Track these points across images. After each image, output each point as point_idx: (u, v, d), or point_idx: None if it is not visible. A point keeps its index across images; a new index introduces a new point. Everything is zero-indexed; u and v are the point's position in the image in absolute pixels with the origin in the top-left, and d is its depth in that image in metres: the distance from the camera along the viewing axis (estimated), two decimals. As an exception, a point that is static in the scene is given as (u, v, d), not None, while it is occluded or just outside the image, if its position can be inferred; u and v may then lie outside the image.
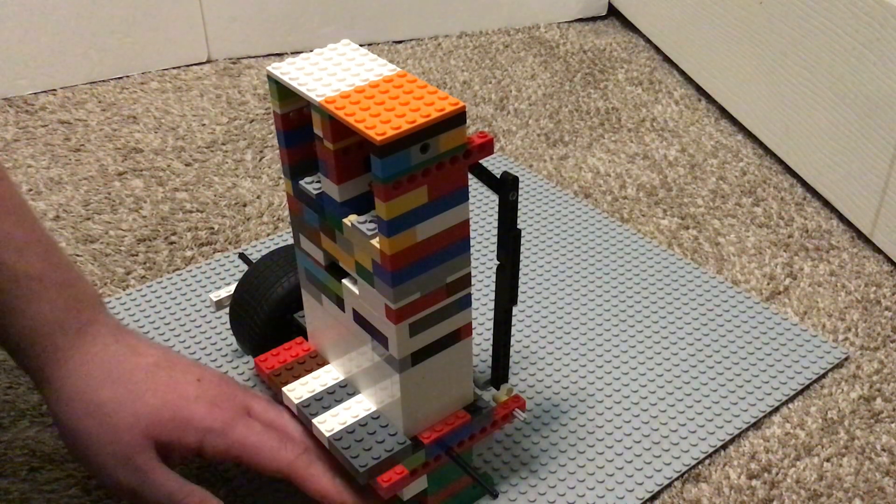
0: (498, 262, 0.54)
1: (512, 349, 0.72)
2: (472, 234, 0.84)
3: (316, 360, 0.59)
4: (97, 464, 0.53)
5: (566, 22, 1.25)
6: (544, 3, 1.23)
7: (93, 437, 0.53)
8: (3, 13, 1.02)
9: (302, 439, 0.56)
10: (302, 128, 0.52)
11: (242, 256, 0.73)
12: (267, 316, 0.63)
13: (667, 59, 1.15)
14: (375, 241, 0.48)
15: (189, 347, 0.72)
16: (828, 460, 0.63)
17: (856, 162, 0.82)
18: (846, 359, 0.71)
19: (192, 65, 1.14)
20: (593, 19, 1.27)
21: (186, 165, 0.94)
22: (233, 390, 0.57)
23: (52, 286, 0.54)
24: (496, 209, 0.74)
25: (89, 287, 0.56)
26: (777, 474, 0.62)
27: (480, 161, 0.49)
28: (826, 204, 0.88)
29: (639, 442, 0.64)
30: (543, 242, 0.84)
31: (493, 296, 0.76)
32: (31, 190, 0.90)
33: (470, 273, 0.52)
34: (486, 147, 0.48)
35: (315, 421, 0.55)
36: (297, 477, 0.54)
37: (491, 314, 0.75)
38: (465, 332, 0.53)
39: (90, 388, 0.53)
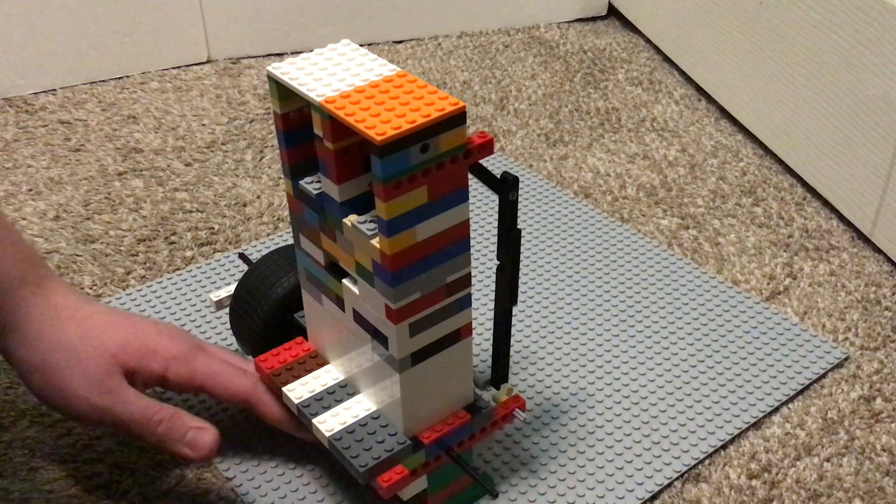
0: (498, 262, 0.54)
1: (512, 349, 0.72)
2: (472, 234, 0.84)
3: (316, 360, 0.59)
4: (68, 392, 0.55)
5: (566, 22, 1.25)
6: (544, 3, 1.23)
7: (62, 368, 0.55)
8: (4, 13, 1.02)
9: (254, 372, 0.60)
10: (302, 128, 0.52)
11: (242, 256, 0.73)
12: (267, 316, 0.63)
13: (667, 59, 1.15)
14: (375, 241, 0.48)
15: (189, 347, 0.72)
16: (828, 460, 0.63)
17: (856, 162, 0.82)
18: (846, 359, 0.71)
19: (192, 65, 1.14)
20: (593, 19, 1.27)
21: (186, 165, 0.94)
22: (186, 334, 0.61)
23: (8, 245, 0.57)
24: (496, 209, 0.74)
25: (36, 249, 0.61)
26: (777, 474, 0.62)
27: (480, 161, 0.49)
28: (826, 204, 0.88)
29: (639, 442, 0.64)
30: (543, 242, 0.84)
31: (493, 296, 0.76)
32: (31, 190, 0.90)
33: (470, 273, 0.52)
34: (486, 147, 0.48)
35: (315, 421, 0.55)
36: (257, 401, 0.59)
37: (491, 314, 0.75)
38: (465, 332, 0.53)
39: (55, 329, 0.56)
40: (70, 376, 0.55)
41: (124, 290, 0.78)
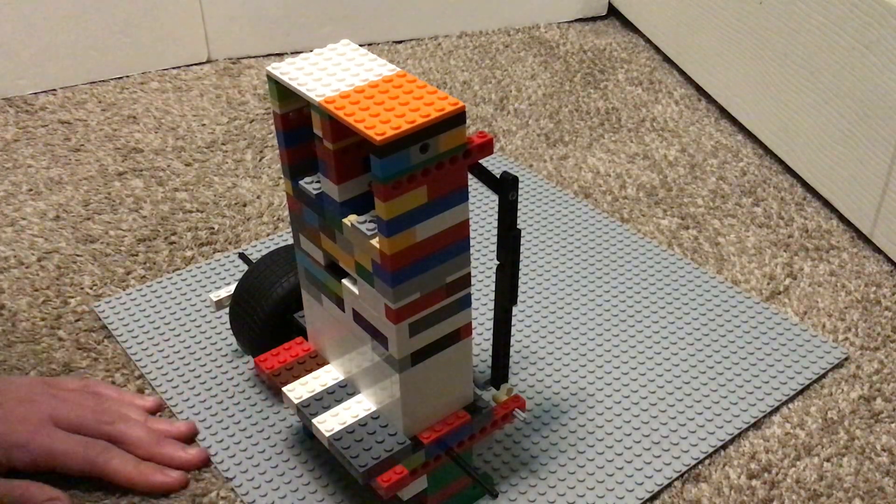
0: (498, 262, 0.54)
1: (512, 349, 0.72)
2: (472, 234, 0.84)
3: (316, 360, 0.59)
4: None
5: (566, 22, 1.25)
6: (544, 3, 1.23)
7: None
8: (4, 13, 1.02)
9: (106, 434, 0.61)
10: (302, 128, 0.52)
11: (242, 256, 0.73)
12: (267, 316, 0.63)
13: (667, 59, 1.15)
14: (375, 241, 0.48)
15: (189, 347, 0.72)
16: (828, 460, 0.63)
17: (856, 162, 0.82)
18: (846, 359, 0.71)
19: (192, 65, 1.14)
20: (593, 19, 1.27)
21: (186, 165, 0.94)
22: (34, 406, 0.61)
23: None
24: (496, 209, 0.74)
25: None
26: (777, 474, 0.62)
27: (480, 161, 0.49)
28: (826, 204, 0.88)
29: (639, 442, 0.64)
30: (543, 242, 0.84)
31: (493, 296, 0.76)
32: (31, 190, 0.90)
33: (470, 273, 0.52)
34: (486, 147, 0.48)
35: (315, 421, 0.55)
36: (101, 474, 0.60)
37: (491, 314, 0.75)
38: (465, 332, 0.53)
39: None
40: None
41: (124, 290, 0.78)
